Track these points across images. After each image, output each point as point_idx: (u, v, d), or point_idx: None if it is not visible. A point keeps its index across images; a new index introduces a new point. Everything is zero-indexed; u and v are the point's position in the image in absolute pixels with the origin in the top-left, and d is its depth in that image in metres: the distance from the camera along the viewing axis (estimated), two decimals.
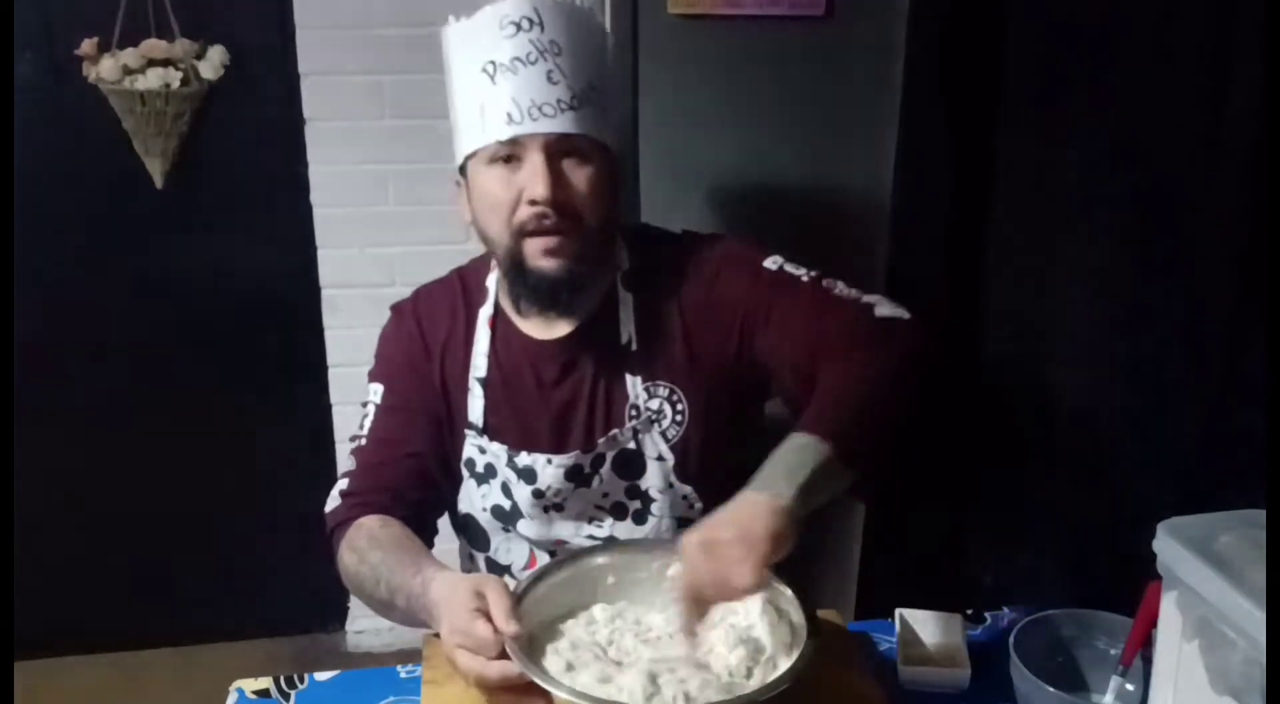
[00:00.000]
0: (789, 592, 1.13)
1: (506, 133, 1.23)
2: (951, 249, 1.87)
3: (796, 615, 1.11)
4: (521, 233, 1.26)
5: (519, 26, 1.23)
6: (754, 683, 1.06)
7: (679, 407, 1.34)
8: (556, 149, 1.24)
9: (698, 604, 1.08)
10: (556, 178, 1.24)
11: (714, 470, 1.33)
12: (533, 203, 1.24)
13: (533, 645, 1.14)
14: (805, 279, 1.32)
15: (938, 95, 1.81)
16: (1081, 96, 1.56)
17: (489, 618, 1.08)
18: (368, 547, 1.27)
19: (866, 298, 1.30)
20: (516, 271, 1.29)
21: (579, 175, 1.26)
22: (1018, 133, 1.72)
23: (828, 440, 1.11)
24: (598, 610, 1.21)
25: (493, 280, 1.39)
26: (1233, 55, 1.26)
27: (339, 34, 2.37)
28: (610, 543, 1.34)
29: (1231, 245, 1.29)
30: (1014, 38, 1.70)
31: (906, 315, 1.28)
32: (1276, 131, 1.16)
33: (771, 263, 1.34)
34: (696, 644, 1.09)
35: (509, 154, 1.25)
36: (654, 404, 1.33)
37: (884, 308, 1.28)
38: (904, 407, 1.20)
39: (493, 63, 1.23)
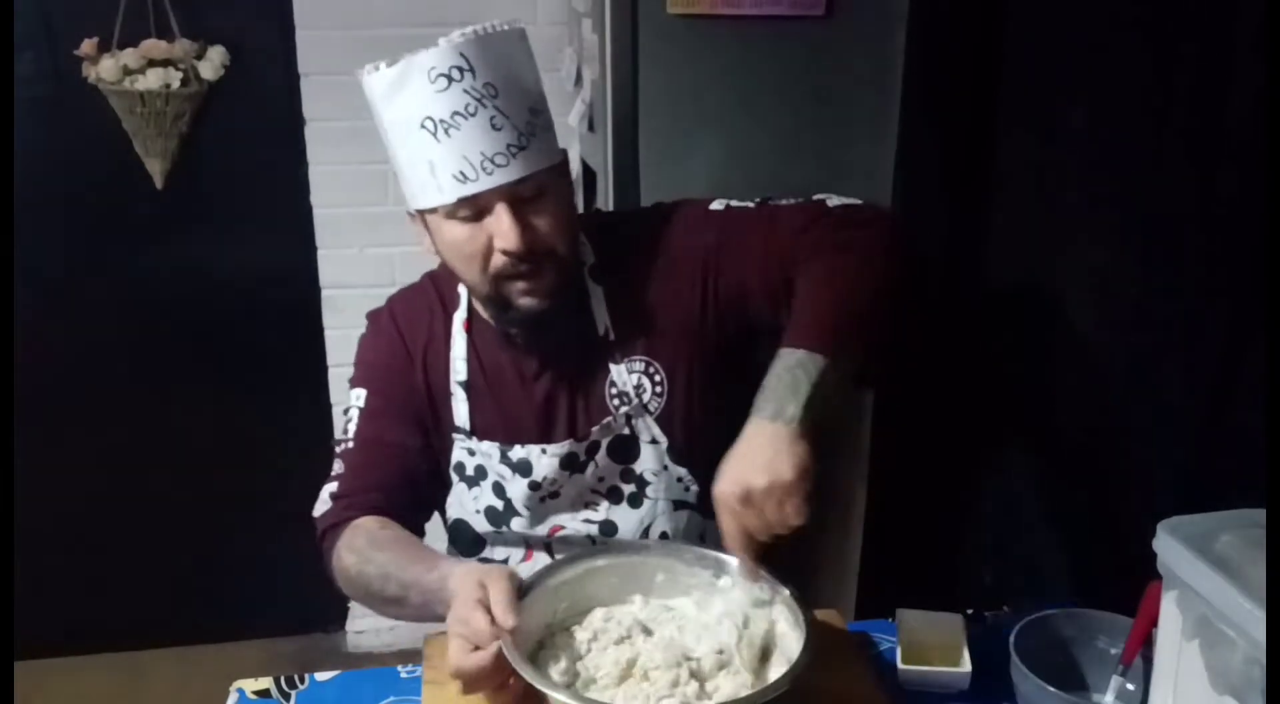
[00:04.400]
0: (786, 591, 1.14)
1: (464, 191, 1.20)
2: (951, 249, 1.87)
3: (796, 617, 1.11)
4: (500, 278, 1.26)
5: (450, 78, 1.18)
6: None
7: (657, 378, 1.34)
8: (516, 194, 1.22)
9: (750, 547, 1.12)
10: (524, 224, 1.22)
11: (706, 450, 1.33)
12: (505, 253, 1.23)
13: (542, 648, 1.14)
14: (753, 206, 1.35)
15: (938, 95, 1.81)
16: (1081, 97, 1.56)
17: (489, 609, 1.07)
18: (369, 547, 1.26)
19: (816, 197, 1.33)
20: (501, 309, 1.30)
21: (543, 213, 1.24)
22: (1017, 133, 1.72)
23: (816, 348, 1.14)
24: (598, 614, 1.21)
25: (464, 286, 1.39)
26: (1233, 55, 1.26)
27: (339, 34, 2.37)
28: (611, 545, 1.34)
29: (1231, 245, 1.29)
30: (1013, 38, 1.70)
31: (859, 201, 1.31)
32: (1276, 131, 1.16)
33: (718, 204, 1.36)
34: (759, 582, 1.15)
35: (470, 209, 1.23)
36: (633, 380, 1.34)
37: (835, 199, 1.32)
38: (880, 293, 1.22)
39: (431, 119, 1.19)
